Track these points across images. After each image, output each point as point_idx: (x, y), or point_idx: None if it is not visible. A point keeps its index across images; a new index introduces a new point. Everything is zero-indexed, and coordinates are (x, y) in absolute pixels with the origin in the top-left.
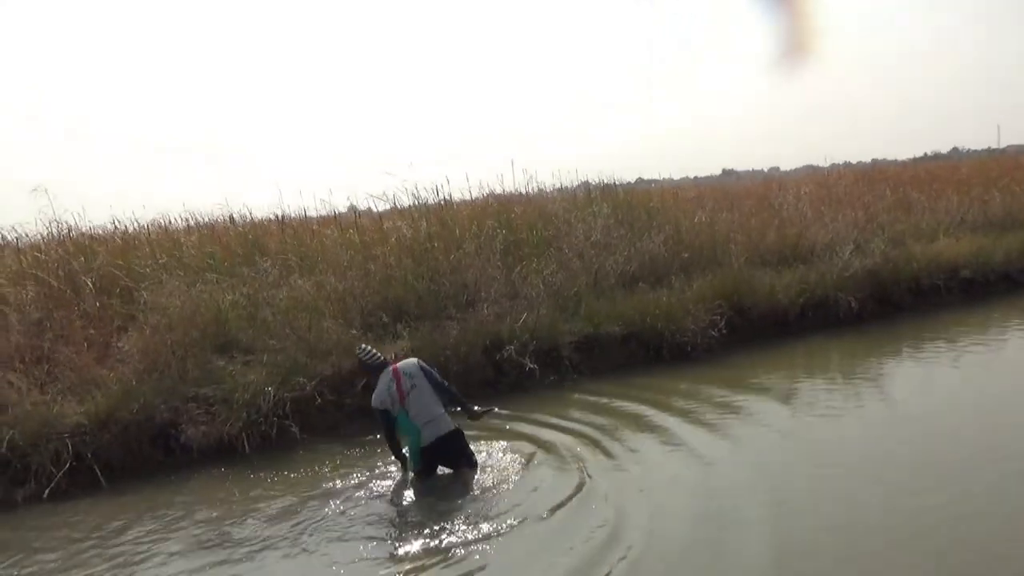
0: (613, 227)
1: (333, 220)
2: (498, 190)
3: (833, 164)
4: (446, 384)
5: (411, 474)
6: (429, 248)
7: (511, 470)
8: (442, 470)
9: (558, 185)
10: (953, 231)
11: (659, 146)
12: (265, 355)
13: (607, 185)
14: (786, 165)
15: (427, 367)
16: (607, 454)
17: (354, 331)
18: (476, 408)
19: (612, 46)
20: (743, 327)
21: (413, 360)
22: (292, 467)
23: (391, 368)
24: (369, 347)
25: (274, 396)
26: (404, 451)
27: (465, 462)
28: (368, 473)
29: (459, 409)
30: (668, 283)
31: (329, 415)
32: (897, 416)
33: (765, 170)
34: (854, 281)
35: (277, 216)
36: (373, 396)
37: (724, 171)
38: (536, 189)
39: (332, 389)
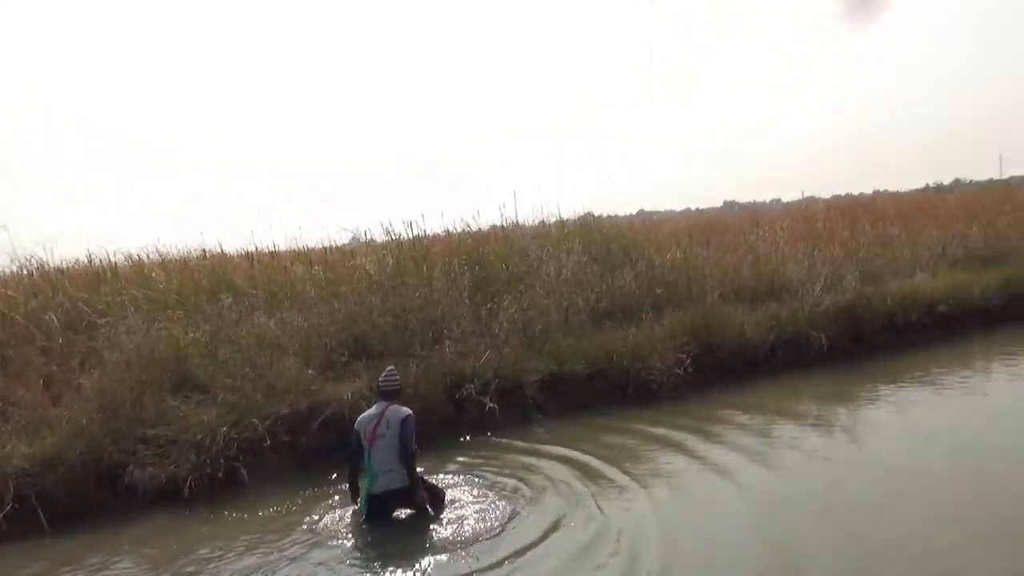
0: (587, 263)
1: (303, 255)
2: (473, 226)
3: (834, 195)
4: (410, 451)
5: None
6: (397, 285)
7: (477, 507)
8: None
9: (537, 220)
10: (932, 266)
11: (665, 177)
12: (221, 394)
13: (583, 220)
14: (788, 196)
15: (409, 426)
16: (558, 492)
17: (311, 371)
18: (417, 497)
19: (612, 46)
20: (711, 365)
21: (404, 413)
22: (240, 510)
23: (385, 406)
24: (395, 372)
25: (225, 437)
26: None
27: (419, 510)
28: (320, 517)
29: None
30: (639, 320)
31: (283, 456)
32: (868, 461)
33: (767, 201)
34: (826, 318)
35: (248, 251)
36: (361, 415)
37: (726, 203)
38: (512, 223)
39: (288, 430)
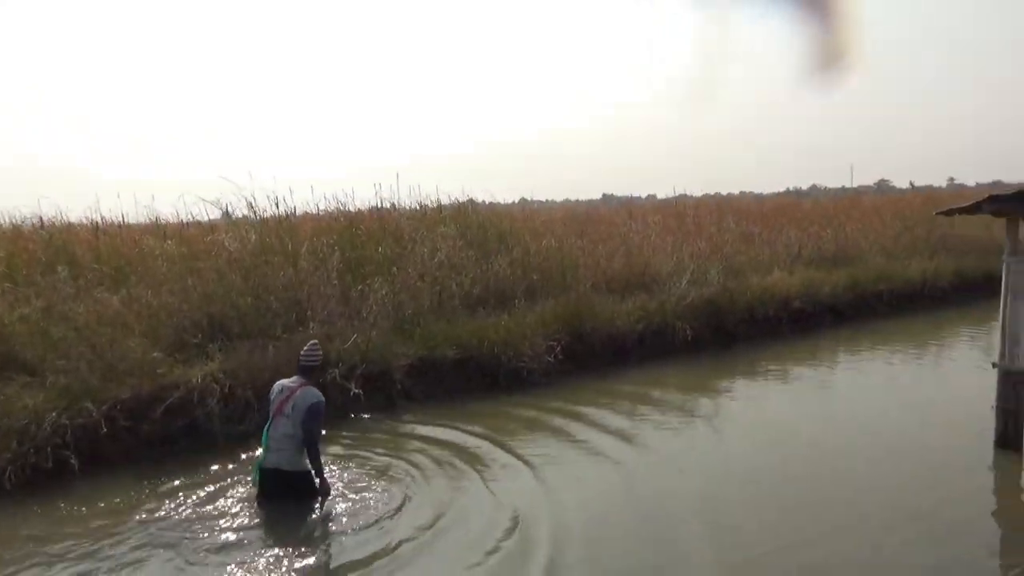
0: (462, 248)
1: (157, 228)
2: (349, 205)
3: (705, 194)
4: (312, 441)
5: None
6: (261, 263)
7: (358, 493)
8: None
9: (414, 203)
10: (789, 265)
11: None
12: (51, 376)
13: (461, 205)
14: (662, 193)
15: (315, 416)
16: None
17: (157, 354)
18: (320, 488)
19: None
20: (581, 353)
21: (312, 400)
22: (74, 503)
23: (300, 385)
24: (318, 346)
25: (54, 423)
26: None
27: (299, 498)
28: (167, 509)
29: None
30: (512, 307)
31: (123, 444)
32: (725, 445)
33: (643, 196)
34: (692, 310)
35: (92, 221)
36: (280, 381)
37: (604, 195)
38: (389, 204)
39: (128, 415)
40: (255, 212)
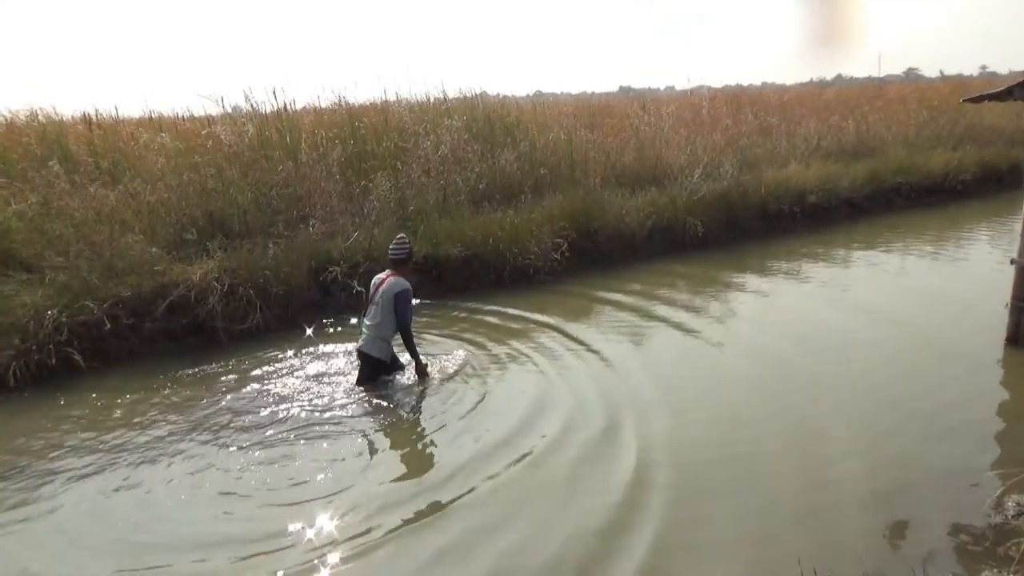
0: (467, 141)
1: (152, 122)
2: (350, 99)
3: (725, 85)
4: (404, 324)
5: None
6: (260, 158)
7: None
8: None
9: (419, 96)
10: (807, 157)
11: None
12: (50, 273)
13: (467, 97)
14: (681, 85)
15: (401, 302)
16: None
17: (155, 249)
18: (417, 367)
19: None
20: (589, 250)
21: (399, 288)
22: (77, 401)
23: (390, 275)
24: (405, 239)
25: (55, 320)
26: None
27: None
28: (168, 407)
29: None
30: (519, 203)
31: (126, 342)
32: (730, 350)
33: (661, 88)
34: (703, 205)
35: (86, 114)
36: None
37: (621, 88)
38: (395, 97)
39: (131, 313)
40: (252, 105)
